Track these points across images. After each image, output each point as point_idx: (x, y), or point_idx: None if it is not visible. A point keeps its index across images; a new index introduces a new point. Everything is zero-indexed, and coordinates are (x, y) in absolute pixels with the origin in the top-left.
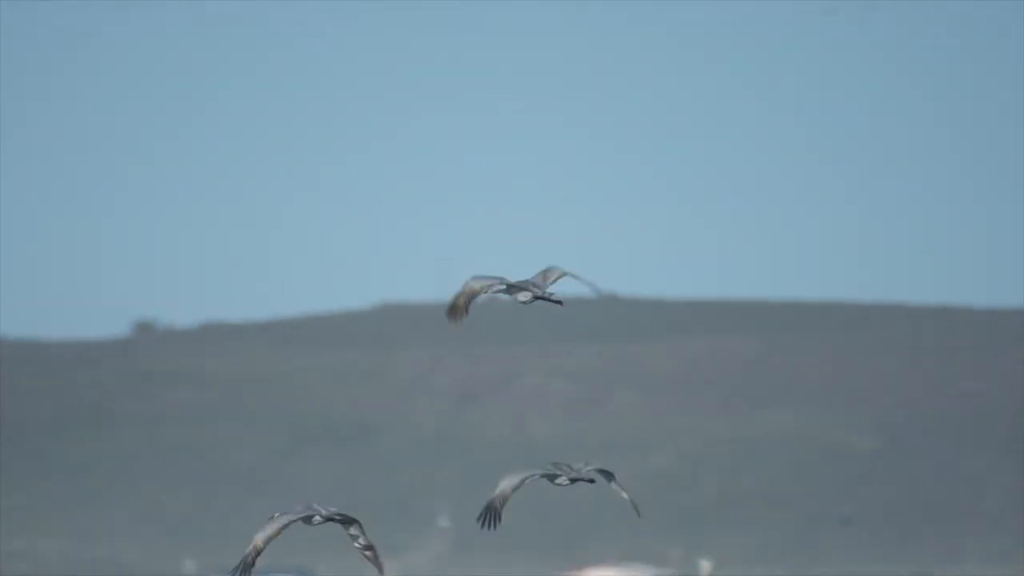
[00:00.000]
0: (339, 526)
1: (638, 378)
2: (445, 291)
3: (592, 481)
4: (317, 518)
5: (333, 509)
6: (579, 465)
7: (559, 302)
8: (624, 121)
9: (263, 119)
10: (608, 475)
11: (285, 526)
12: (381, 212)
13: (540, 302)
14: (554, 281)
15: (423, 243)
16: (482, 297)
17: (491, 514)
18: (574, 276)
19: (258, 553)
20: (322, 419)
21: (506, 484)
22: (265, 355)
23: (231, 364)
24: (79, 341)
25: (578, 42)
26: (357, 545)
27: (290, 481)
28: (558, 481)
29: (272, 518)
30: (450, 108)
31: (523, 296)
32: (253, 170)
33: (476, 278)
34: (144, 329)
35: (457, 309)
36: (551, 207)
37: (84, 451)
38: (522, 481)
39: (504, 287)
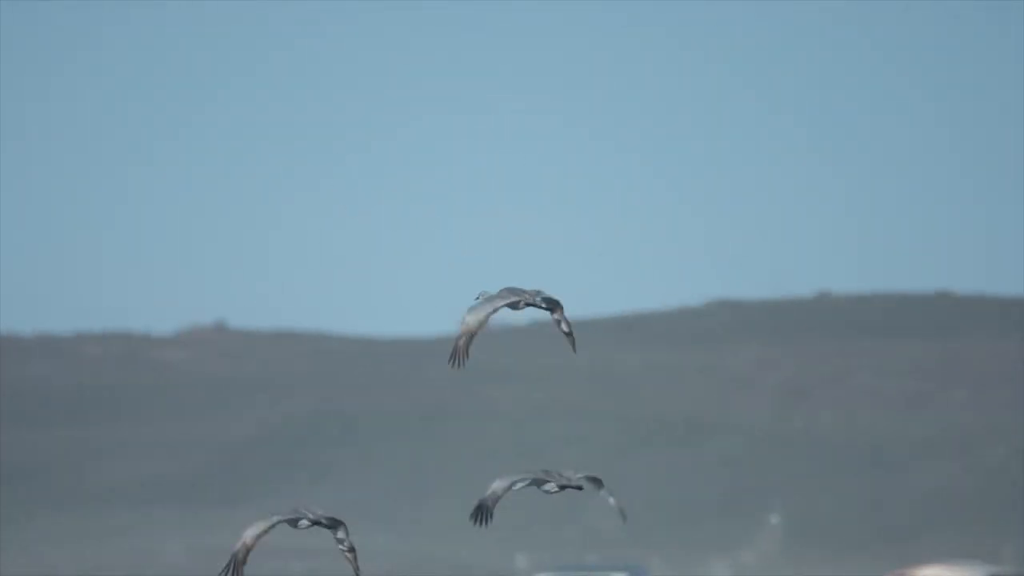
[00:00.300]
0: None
1: (971, 375)
2: (777, 288)
3: (580, 488)
4: (304, 522)
5: (321, 512)
6: (568, 473)
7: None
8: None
9: None
10: (596, 482)
11: (273, 525)
12: (717, 209)
13: None
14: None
15: (755, 240)
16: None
17: (483, 512)
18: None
19: (248, 551)
20: (652, 417)
21: (497, 485)
22: (594, 352)
23: (560, 361)
24: (410, 338)
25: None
26: (342, 547)
27: (619, 480)
28: (546, 488)
29: (265, 518)
30: None
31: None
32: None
33: (472, 309)
34: None
35: (458, 352)
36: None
37: (415, 448)
38: (512, 484)
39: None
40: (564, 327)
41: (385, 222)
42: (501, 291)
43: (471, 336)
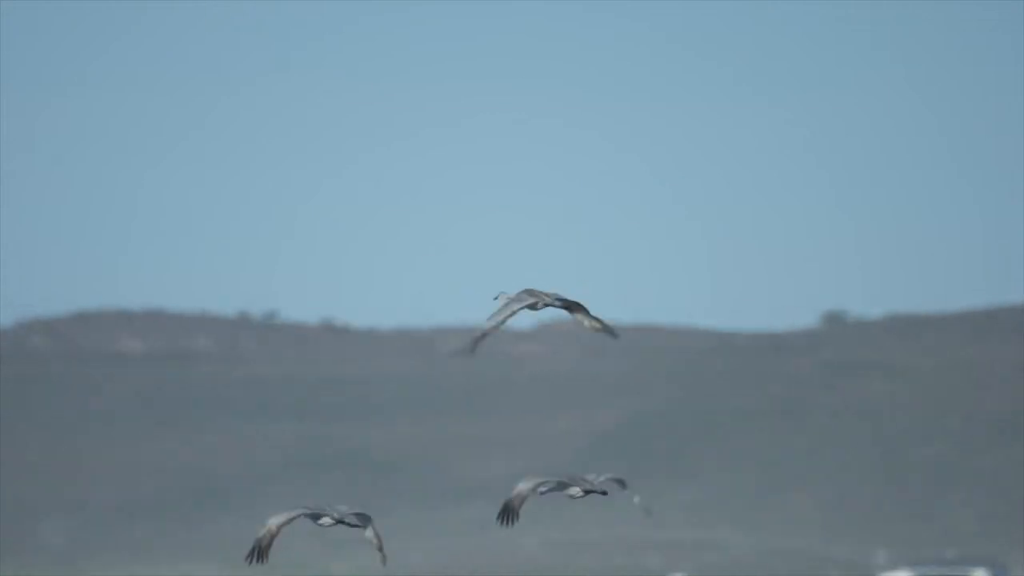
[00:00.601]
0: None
1: None
2: None
3: (605, 493)
4: (327, 519)
5: (346, 510)
6: (592, 476)
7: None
8: None
9: None
10: (621, 483)
11: (295, 517)
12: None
13: None
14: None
15: None
16: None
17: (509, 514)
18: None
19: (272, 538)
20: (1011, 412)
21: (523, 487)
22: (954, 346)
23: (920, 355)
24: (769, 332)
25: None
26: (372, 543)
27: (976, 475)
28: (570, 492)
29: (289, 510)
30: None
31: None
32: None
33: (493, 315)
34: (833, 320)
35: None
36: None
37: (773, 443)
38: (537, 486)
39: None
40: (593, 324)
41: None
42: (519, 293)
43: (485, 337)
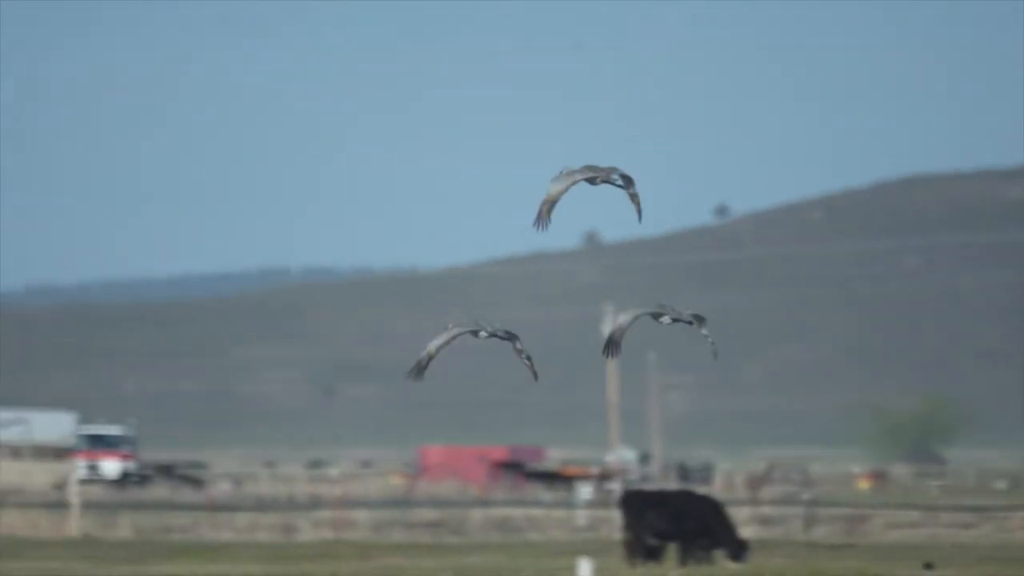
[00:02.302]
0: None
1: None
2: None
3: (690, 323)
4: (483, 333)
5: (498, 325)
6: (680, 308)
7: (689, 322)
8: None
9: None
10: (700, 319)
11: (454, 336)
12: None
13: None
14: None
15: None
16: None
17: (612, 346)
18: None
19: (430, 358)
20: None
21: (623, 318)
22: None
23: None
24: None
25: None
26: (521, 356)
27: None
28: (662, 320)
29: (446, 328)
30: None
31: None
32: None
33: (555, 180)
34: None
35: (541, 217)
36: None
37: None
38: (635, 317)
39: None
40: (634, 195)
41: None
42: (582, 167)
43: (552, 204)
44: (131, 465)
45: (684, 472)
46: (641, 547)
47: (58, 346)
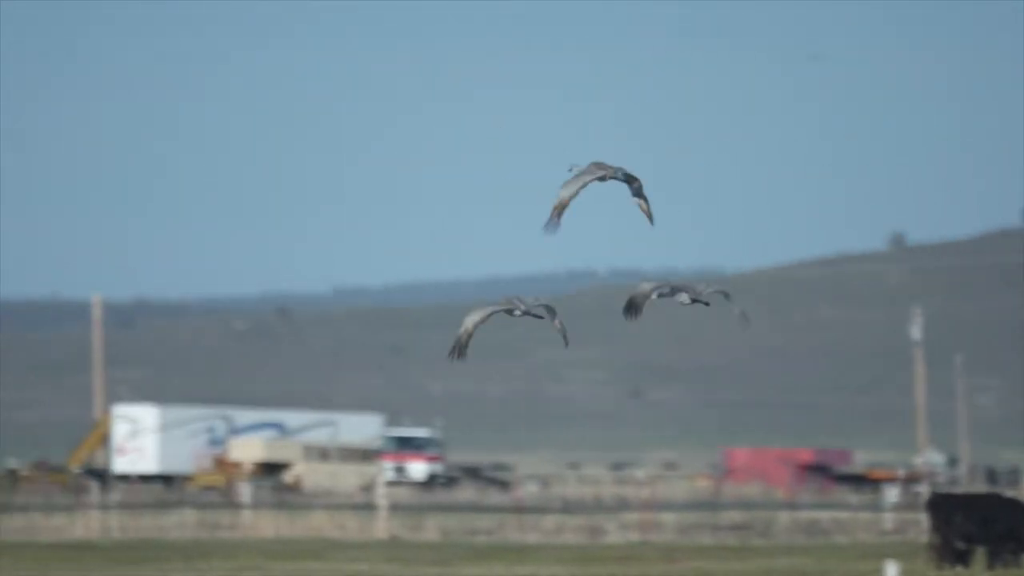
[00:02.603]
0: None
1: None
2: None
3: (708, 304)
4: (517, 312)
5: (532, 302)
6: (702, 286)
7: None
8: None
9: None
10: (725, 295)
11: (491, 314)
12: None
13: None
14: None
15: None
16: None
17: (633, 310)
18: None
19: (469, 336)
20: None
21: (645, 286)
22: None
23: None
24: None
25: None
26: (557, 329)
27: None
28: (680, 298)
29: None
30: None
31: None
32: None
33: (566, 184)
34: None
35: (552, 219)
36: None
37: None
38: (657, 287)
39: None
40: (641, 204)
41: None
42: (590, 166)
43: (563, 207)
44: (438, 467)
45: (992, 475)
46: (949, 551)
47: (365, 348)
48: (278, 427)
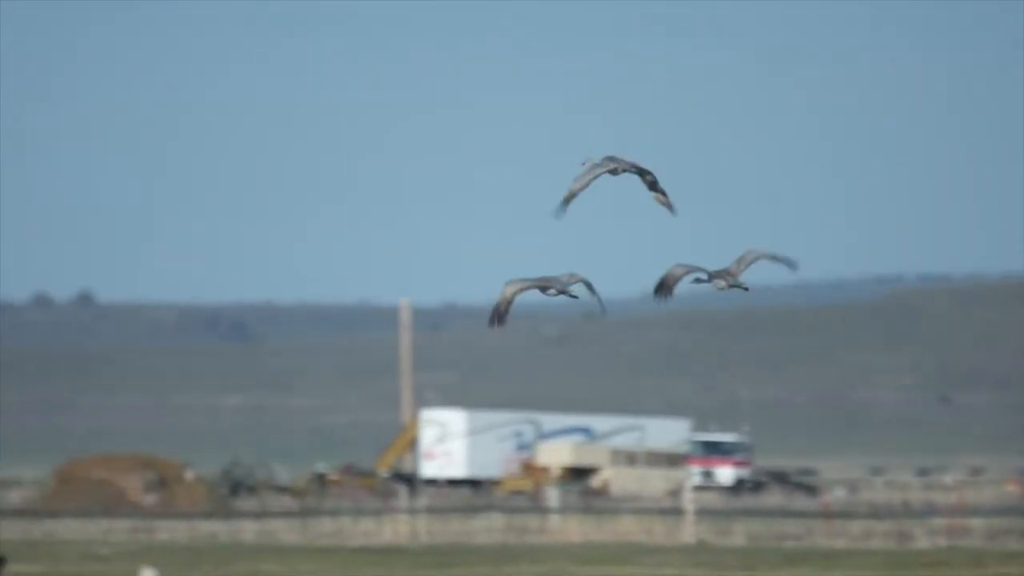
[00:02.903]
0: None
1: None
2: None
3: (747, 289)
4: (552, 290)
5: (567, 279)
6: (734, 267)
7: (747, 288)
8: None
9: None
10: (743, 287)
11: (526, 287)
12: None
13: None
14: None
15: None
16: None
17: (664, 290)
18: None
19: (508, 304)
20: None
21: (678, 270)
22: None
23: None
24: None
25: None
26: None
27: None
28: (717, 284)
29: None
30: None
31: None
32: None
33: (577, 177)
34: None
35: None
36: None
37: None
38: (688, 271)
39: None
40: (658, 196)
41: None
42: (603, 159)
43: (572, 197)
44: (745, 472)
45: None
46: None
47: (673, 352)
48: (585, 432)
